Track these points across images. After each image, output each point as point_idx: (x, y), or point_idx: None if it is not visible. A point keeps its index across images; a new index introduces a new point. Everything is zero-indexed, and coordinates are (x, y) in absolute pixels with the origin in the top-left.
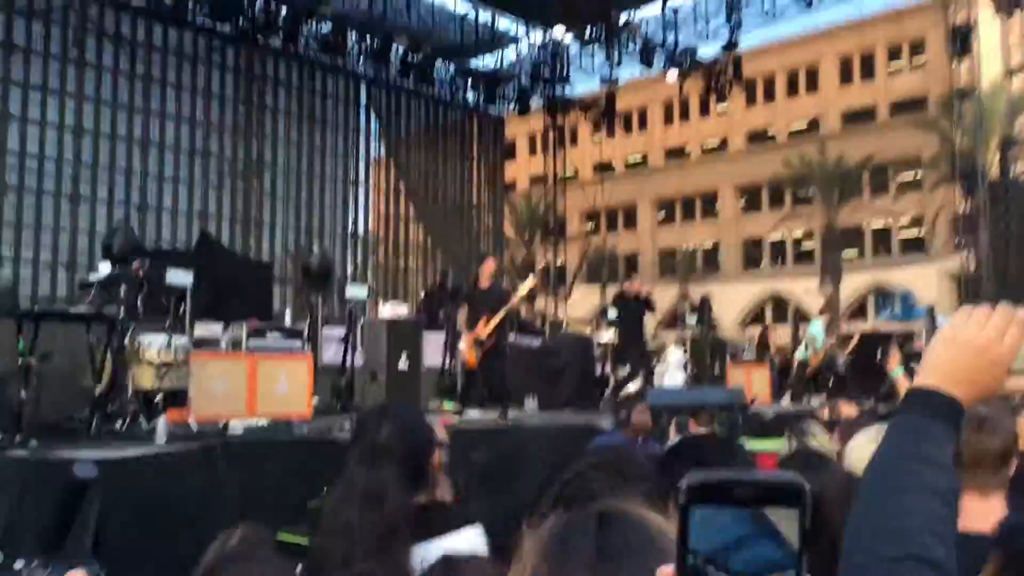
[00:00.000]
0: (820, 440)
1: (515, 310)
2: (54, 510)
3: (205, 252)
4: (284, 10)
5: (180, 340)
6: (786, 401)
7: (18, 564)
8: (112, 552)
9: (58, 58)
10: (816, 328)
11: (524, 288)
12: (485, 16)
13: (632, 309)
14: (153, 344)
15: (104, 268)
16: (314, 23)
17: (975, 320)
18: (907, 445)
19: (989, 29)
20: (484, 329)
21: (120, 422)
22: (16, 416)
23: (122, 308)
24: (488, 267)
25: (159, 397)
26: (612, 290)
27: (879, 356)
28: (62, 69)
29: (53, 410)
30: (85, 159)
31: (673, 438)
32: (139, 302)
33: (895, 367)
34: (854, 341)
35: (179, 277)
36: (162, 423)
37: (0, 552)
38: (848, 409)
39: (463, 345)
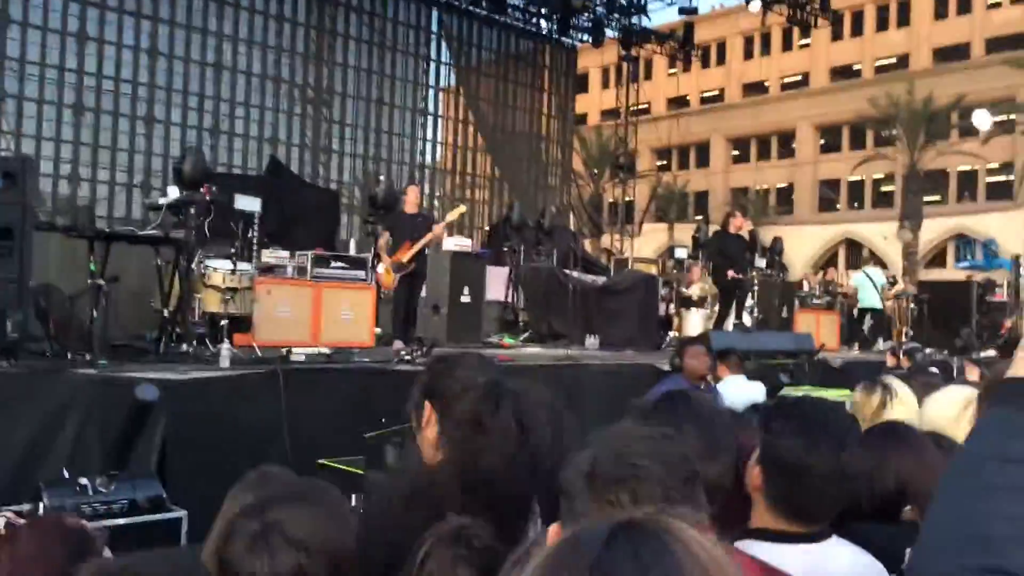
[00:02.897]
0: (903, 397)
1: (439, 238)
2: (120, 429)
3: (274, 177)
4: None
5: (246, 266)
6: (855, 351)
7: (83, 480)
8: (174, 472)
9: None
10: (860, 277)
11: (451, 216)
12: None
13: (732, 245)
14: (220, 269)
15: (173, 191)
16: None
17: None
18: (993, 442)
19: None
20: (405, 254)
21: (186, 345)
22: (86, 336)
23: (191, 231)
24: (410, 195)
25: (224, 321)
26: (681, 228)
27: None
28: None
29: (122, 330)
30: (160, 82)
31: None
32: (207, 226)
33: None
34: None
35: (247, 203)
36: (226, 347)
37: (64, 469)
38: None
39: (381, 269)
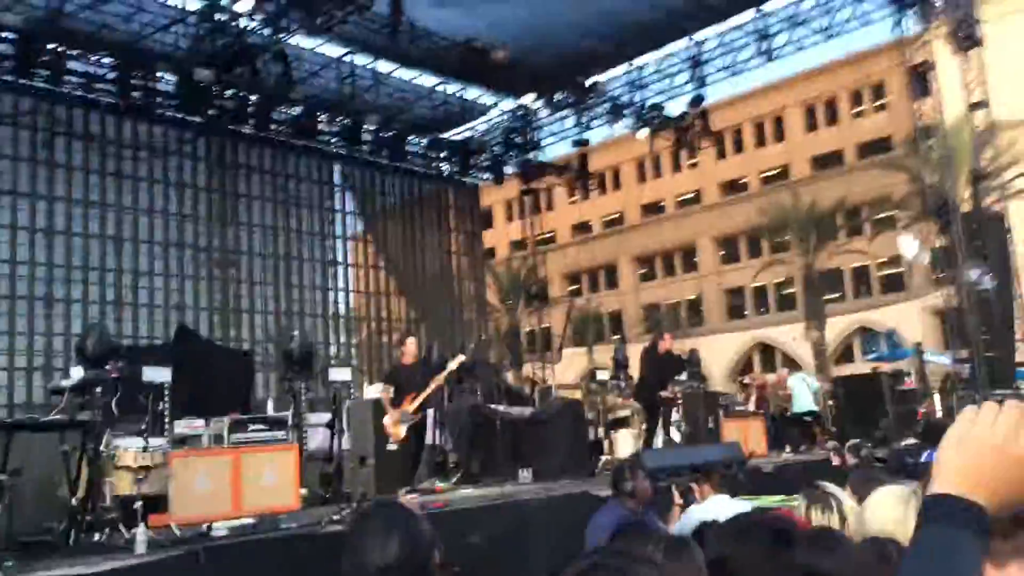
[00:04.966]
0: (844, 503)
1: (441, 386)
2: None
3: (183, 345)
4: (254, 97)
5: (158, 441)
6: (787, 453)
7: None
8: None
9: (28, 161)
10: (797, 380)
11: (452, 364)
12: (454, 88)
13: (662, 366)
14: (130, 447)
15: (77, 372)
16: (284, 108)
17: (984, 417)
18: (934, 561)
19: (948, 66)
20: (409, 404)
21: (98, 533)
22: None
23: (97, 412)
24: (409, 347)
25: (139, 503)
26: (600, 350)
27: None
28: (32, 172)
29: (29, 525)
30: (58, 260)
31: (678, 504)
32: (114, 404)
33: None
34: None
35: (156, 374)
36: (141, 532)
37: None
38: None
39: (388, 421)
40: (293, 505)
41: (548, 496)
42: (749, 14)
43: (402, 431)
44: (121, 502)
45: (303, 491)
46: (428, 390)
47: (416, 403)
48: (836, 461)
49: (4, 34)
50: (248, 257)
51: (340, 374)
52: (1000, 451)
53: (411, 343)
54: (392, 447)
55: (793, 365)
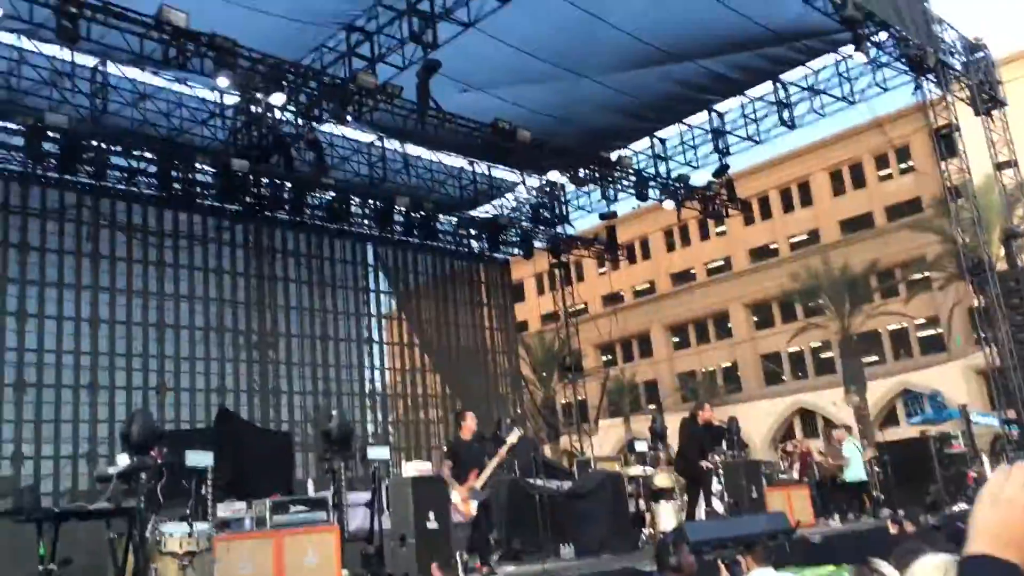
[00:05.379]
0: None
1: (504, 461)
2: None
3: (224, 428)
4: (288, 184)
5: (203, 525)
6: (834, 523)
7: None
8: None
9: (73, 253)
10: (852, 447)
11: (512, 439)
12: (481, 168)
13: (702, 436)
14: (175, 533)
15: (122, 459)
16: (318, 193)
17: (1016, 477)
18: None
19: (973, 126)
20: (477, 480)
21: None
22: None
23: (142, 498)
24: (468, 422)
25: None
26: (637, 420)
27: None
28: (77, 264)
29: None
30: (102, 348)
31: None
32: (159, 490)
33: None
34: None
35: (199, 458)
36: None
37: None
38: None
39: (456, 499)
40: None
41: (592, 573)
42: (768, 86)
43: (473, 508)
44: None
45: (345, 572)
46: (492, 466)
47: (483, 479)
48: (894, 530)
49: (50, 134)
50: (286, 339)
51: (378, 452)
52: None
53: (470, 418)
54: (433, 526)
55: (845, 428)
